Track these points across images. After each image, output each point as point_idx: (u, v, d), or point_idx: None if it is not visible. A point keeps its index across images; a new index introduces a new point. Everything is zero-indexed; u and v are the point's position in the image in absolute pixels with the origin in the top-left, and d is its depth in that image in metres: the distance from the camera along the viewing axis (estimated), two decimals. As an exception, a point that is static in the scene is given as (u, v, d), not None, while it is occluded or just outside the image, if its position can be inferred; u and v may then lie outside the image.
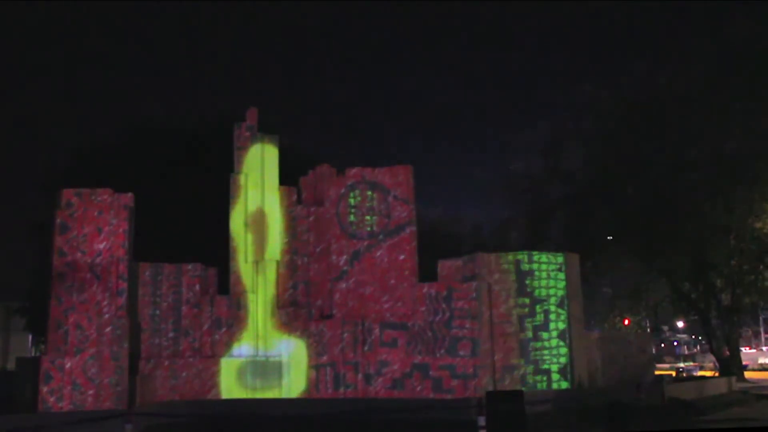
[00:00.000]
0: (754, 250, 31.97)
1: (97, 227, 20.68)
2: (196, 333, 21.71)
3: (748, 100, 30.13)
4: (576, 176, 36.09)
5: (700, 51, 32.76)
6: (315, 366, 21.40)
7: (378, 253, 22.05)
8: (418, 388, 20.72)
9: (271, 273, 22.17)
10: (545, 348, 20.97)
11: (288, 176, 23.16)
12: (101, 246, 20.55)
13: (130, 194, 21.46)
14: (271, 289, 22.05)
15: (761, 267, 32.46)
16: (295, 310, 21.99)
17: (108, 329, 20.09)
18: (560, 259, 21.68)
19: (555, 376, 20.83)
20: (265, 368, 21.40)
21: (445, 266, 22.21)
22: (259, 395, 20.78)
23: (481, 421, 13.90)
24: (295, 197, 23.10)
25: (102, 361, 19.90)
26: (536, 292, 21.26)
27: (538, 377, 20.78)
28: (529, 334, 21.01)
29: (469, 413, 15.01)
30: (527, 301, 21.19)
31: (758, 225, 31.35)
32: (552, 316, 21.14)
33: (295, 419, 17.13)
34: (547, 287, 21.27)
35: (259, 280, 22.10)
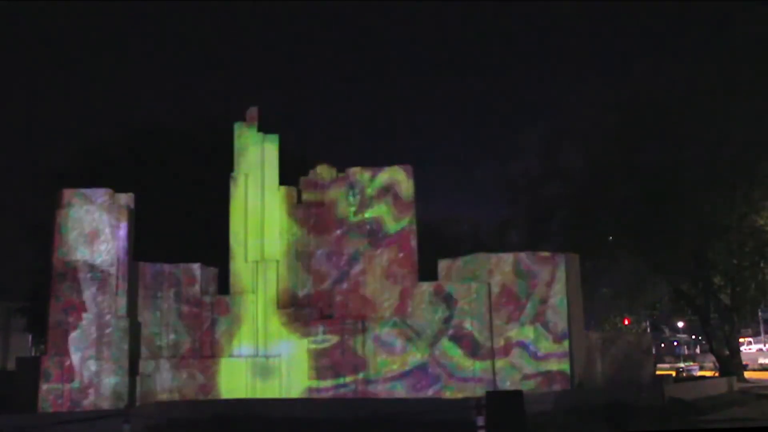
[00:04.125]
0: (752, 246, 31.99)
1: (97, 227, 20.67)
2: (196, 333, 21.70)
3: (747, 99, 30.13)
4: (575, 176, 36.08)
5: (700, 50, 32.83)
6: (315, 366, 21.40)
7: (378, 252, 22.07)
8: (419, 389, 20.75)
9: (271, 273, 22.15)
10: (545, 349, 20.97)
11: (288, 176, 23.16)
12: (101, 246, 20.54)
13: (130, 194, 21.49)
14: (271, 289, 22.04)
15: (762, 263, 32.49)
16: (295, 310, 21.99)
17: (108, 329, 20.09)
18: (560, 259, 21.68)
19: (555, 377, 20.84)
20: (265, 368, 21.41)
21: (445, 266, 22.23)
22: (259, 395, 20.78)
23: (480, 421, 13.90)
24: (295, 197, 23.10)
25: (102, 361, 19.91)
26: (536, 293, 21.27)
27: (539, 378, 20.79)
28: (530, 334, 21.02)
29: (468, 413, 15.01)
30: (527, 301, 21.20)
31: (760, 222, 31.38)
32: (552, 317, 21.14)
33: (295, 419, 17.15)
34: (547, 287, 21.26)
35: (259, 280, 22.08)
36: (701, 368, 51.18)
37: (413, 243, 22.06)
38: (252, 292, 22.00)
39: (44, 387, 19.52)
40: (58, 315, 20.09)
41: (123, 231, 20.77)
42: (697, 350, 78.76)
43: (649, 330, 48.28)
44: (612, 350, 23.83)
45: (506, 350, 21.00)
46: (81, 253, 20.43)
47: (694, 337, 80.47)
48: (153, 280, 21.70)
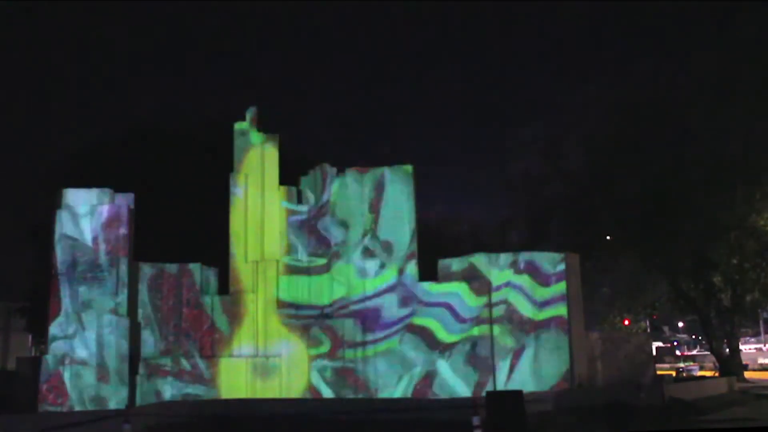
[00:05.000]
0: (753, 245, 31.97)
1: (97, 227, 20.70)
2: (196, 333, 21.70)
3: (747, 99, 30.12)
4: (576, 176, 36.03)
5: (702, 50, 32.78)
6: (315, 366, 21.41)
7: (378, 251, 22.07)
8: (418, 387, 20.78)
9: (271, 273, 22.16)
10: (544, 348, 20.96)
11: (288, 176, 23.16)
12: (101, 246, 20.57)
13: (130, 194, 21.52)
14: (271, 289, 22.05)
15: (763, 264, 32.48)
16: (295, 310, 21.99)
17: (108, 329, 20.11)
18: (560, 259, 21.67)
19: (555, 377, 20.83)
20: (265, 368, 21.41)
21: (445, 266, 22.24)
22: (259, 395, 20.79)
23: (476, 420, 13.89)
24: (295, 197, 23.10)
25: (102, 361, 19.92)
26: (536, 292, 21.26)
27: (537, 377, 20.79)
28: (529, 332, 21.01)
29: (464, 413, 14.99)
30: (526, 300, 21.19)
31: (760, 222, 31.37)
32: (552, 316, 21.13)
33: (295, 419, 17.14)
34: (546, 287, 21.26)
35: (259, 280, 22.09)
36: (701, 368, 51.18)
37: (414, 241, 22.09)
38: (252, 292, 22.01)
39: (44, 387, 19.52)
40: (58, 315, 20.11)
41: (123, 231, 20.79)
42: (698, 350, 78.66)
43: (648, 330, 48.20)
44: (612, 350, 23.81)
45: (506, 349, 21.03)
46: (81, 253, 20.44)
47: (694, 337, 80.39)
48: (153, 280, 21.71)
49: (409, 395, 20.79)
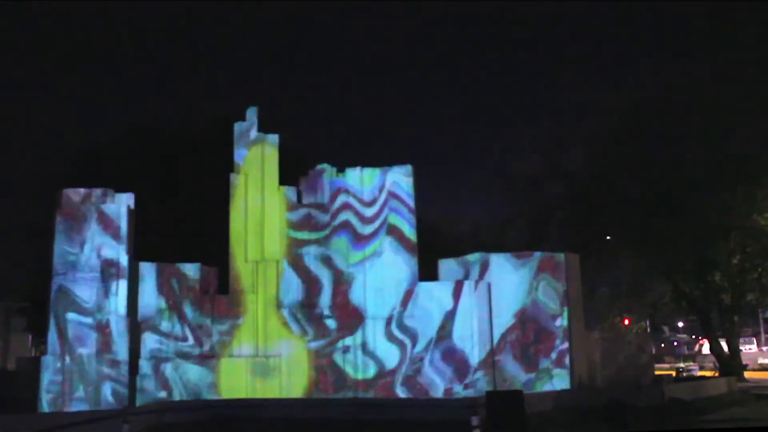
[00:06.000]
0: (754, 245, 32.00)
1: (97, 227, 20.69)
2: (196, 333, 21.69)
3: (748, 99, 30.14)
4: (577, 176, 36.05)
5: (703, 50, 32.85)
6: (315, 366, 21.41)
7: (378, 252, 22.07)
8: (418, 387, 20.78)
9: (271, 273, 22.15)
10: (545, 348, 20.96)
11: (288, 176, 23.15)
12: (101, 246, 20.55)
13: (130, 194, 21.52)
14: (271, 289, 22.04)
15: (765, 264, 32.50)
16: (295, 310, 21.98)
17: (108, 329, 20.10)
18: (560, 259, 21.67)
19: (555, 377, 20.83)
20: (265, 368, 21.41)
21: (445, 266, 22.23)
22: (259, 395, 20.78)
23: (475, 420, 13.92)
24: (295, 197, 23.09)
25: (102, 361, 19.91)
26: (536, 292, 21.26)
27: (539, 378, 20.80)
28: (530, 333, 21.02)
29: (464, 413, 15.01)
30: (527, 300, 21.20)
31: (761, 222, 31.40)
32: (552, 317, 21.13)
33: (295, 419, 17.16)
34: (547, 287, 21.26)
35: (259, 280, 22.08)
36: (701, 368, 51.22)
37: (413, 241, 22.07)
38: (252, 292, 22.00)
39: (44, 387, 19.51)
40: (57, 315, 20.10)
41: (123, 231, 20.78)
42: (697, 350, 78.63)
43: (649, 330, 48.22)
44: (612, 350, 23.83)
45: (506, 350, 21.04)
46: (81, 253, 20.44)
47: (694, 337, 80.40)
48: (153, 279, 21.69)
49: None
